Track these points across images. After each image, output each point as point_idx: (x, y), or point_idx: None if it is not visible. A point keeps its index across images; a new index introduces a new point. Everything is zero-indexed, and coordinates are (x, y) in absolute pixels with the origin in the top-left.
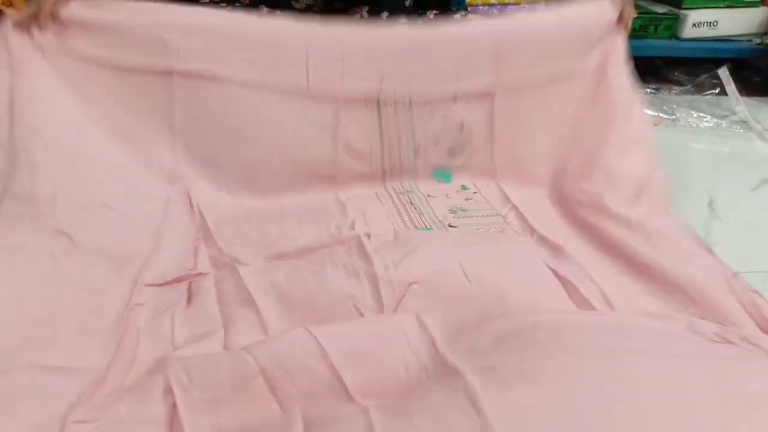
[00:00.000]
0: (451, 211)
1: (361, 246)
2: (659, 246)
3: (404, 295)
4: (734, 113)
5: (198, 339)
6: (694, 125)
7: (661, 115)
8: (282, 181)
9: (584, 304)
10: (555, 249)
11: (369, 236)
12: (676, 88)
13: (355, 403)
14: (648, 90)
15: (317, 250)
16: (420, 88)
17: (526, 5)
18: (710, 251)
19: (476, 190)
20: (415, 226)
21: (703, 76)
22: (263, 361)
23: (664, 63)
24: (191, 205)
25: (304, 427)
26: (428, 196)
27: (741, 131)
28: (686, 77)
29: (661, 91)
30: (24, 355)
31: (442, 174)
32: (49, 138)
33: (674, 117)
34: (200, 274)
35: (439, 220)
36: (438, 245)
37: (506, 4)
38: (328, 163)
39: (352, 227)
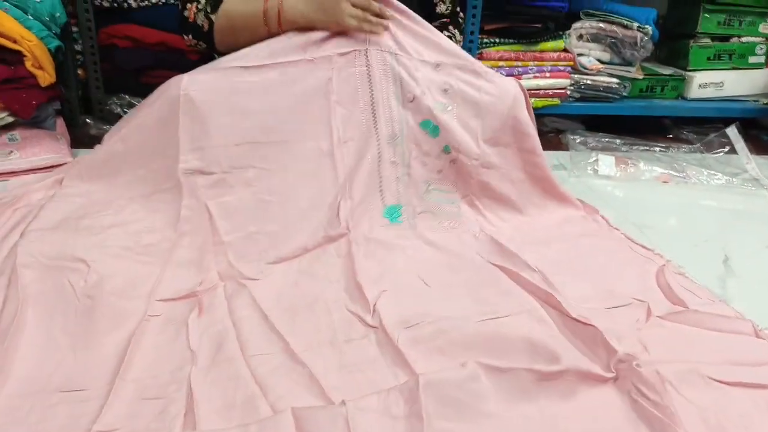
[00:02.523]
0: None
1: (348, 250)
2: None
3: (378, 299)
4: (745, 171)
5: (214, 349)
6: (705, 182)
7: (671, 172)
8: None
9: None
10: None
11: (354, 245)
12: (685, 146)
13: None
14: (657, 149)
15: (313, 249)
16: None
17: (534, 68)
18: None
19: (455, 157)
20: (388, 203)
21: (712, 135)
22: None
23: (673, 122)
24: (208, 213)
25: None
26: (411, 160)
27: (753, 188)
28: (695, 136)
29: (671, 149)
30: (53, 379)
31: (429, 125)
32: None
33: (684, 174)
34: (210, 288)
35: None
36: (400, 260)
37: (513, 68)
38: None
39: (338, 217)
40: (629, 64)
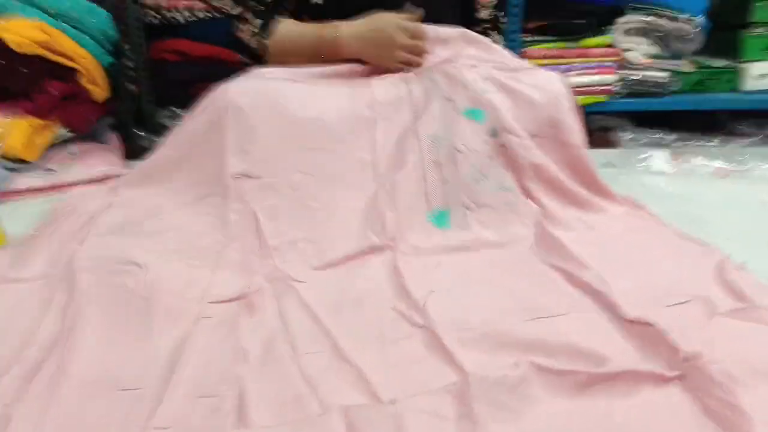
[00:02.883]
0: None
1: (394, 263)
2: None
3: (426, 301)
4: None
5: (265, 348)
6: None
7: (730, 165)
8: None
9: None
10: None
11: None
12: (743, 140)
13: None
14: (713, 142)
15: (357, 257)
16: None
17: (580, 65)
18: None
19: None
20: (435, 207)
21: None
22: None
23: (728, 116)
24: (255, 217)
25: None
26: (456, 152)
27: None
28: (754, 129)
29: (728, 144)
30: (110, 378)
31: (474, 112)
32: None
33: (745, 167)
34: (259, 290)
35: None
36: (449, 263)
37: (558, 65)
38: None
39: (383, 228)
40: (679, 57)
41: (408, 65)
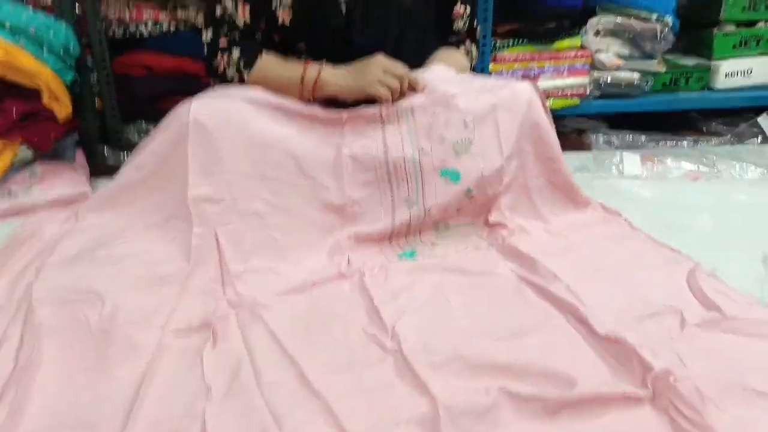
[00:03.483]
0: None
1: (363, 285)
2: None
3: (397, 322)
4: None
5: (229, 379)
6: (738, 176)
7: (700, 168)
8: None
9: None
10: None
11: (366, 275)
12: (714, 139)
13: None
14: (685, 143)
15: (323, 284)
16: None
17: (551, 67)
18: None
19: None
20: (403, 249)
21: (743, 126)
22: None
23: (701, 115)
24: (217, 242)
25: None
26: (427, 211)
27: None
28: (725, 128)
29: (699, 143)
30: (68, 416)
31: (450, 173)
32: None
33: (716, 169)
34: (223, 317)
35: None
36: (419, 283)
37: (529, 69)
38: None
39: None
40: (650, 57)
41: (393, 93)
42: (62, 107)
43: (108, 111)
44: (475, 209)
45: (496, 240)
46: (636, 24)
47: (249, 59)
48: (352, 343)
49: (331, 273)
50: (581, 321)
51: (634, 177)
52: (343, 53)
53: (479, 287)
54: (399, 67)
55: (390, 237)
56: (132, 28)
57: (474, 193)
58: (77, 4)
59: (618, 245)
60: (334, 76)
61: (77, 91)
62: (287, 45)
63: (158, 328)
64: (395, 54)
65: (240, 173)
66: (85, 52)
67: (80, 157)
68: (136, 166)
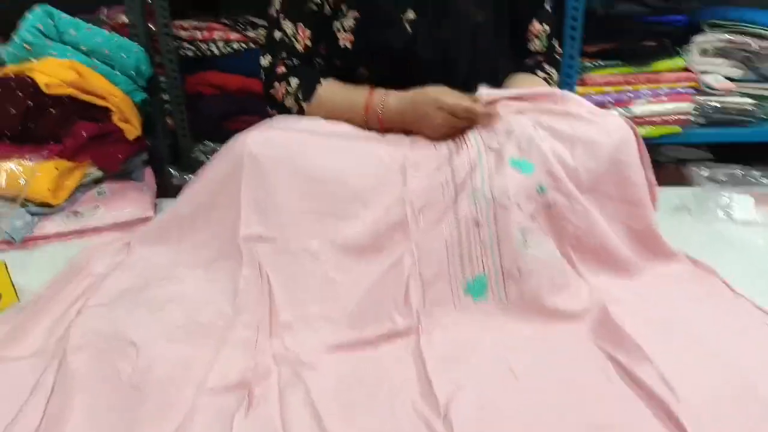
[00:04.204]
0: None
1: (417, 348)
2: None
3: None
4: None
5: None
6: None
7: None
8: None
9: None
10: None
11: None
12: None
13: None
14: None
15: (376, 342)
16: None
17: (648, 91)
18: None
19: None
20: (473, 273)
21: None
22: None
23: None
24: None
25: None
26: (498, 207)
27: None
28: None
29: None
30: None
31: (521, 163)
32: None
33: None
34: (263, 374)
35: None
36: (483, 346)
37: (622, 93)
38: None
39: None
40: (767, 80)
41: (456, 132)
42: (132, 129)
43: (179, 131)
44: (550, 223)
45: (584, 296)
46: (751, 42)
47: (307, 89)
48: (399, 420)
49: (385, 329)
50: (670, 418)
51: (746, 223)
52: (406, 77)
53: (552, 353)
54: (456, 107)
55: (459, 249)
56: (203, 47)
57: (548, 194)
58: (150, 24)
59: (714, 311)
60: (394, 111)
61: (147, 111)
62: (348, 69)
63: (193, 385)
64: (466, 75)
65: (294, 210)
66: (157, 72)
67: (148, 176)
68: (187, 198)
